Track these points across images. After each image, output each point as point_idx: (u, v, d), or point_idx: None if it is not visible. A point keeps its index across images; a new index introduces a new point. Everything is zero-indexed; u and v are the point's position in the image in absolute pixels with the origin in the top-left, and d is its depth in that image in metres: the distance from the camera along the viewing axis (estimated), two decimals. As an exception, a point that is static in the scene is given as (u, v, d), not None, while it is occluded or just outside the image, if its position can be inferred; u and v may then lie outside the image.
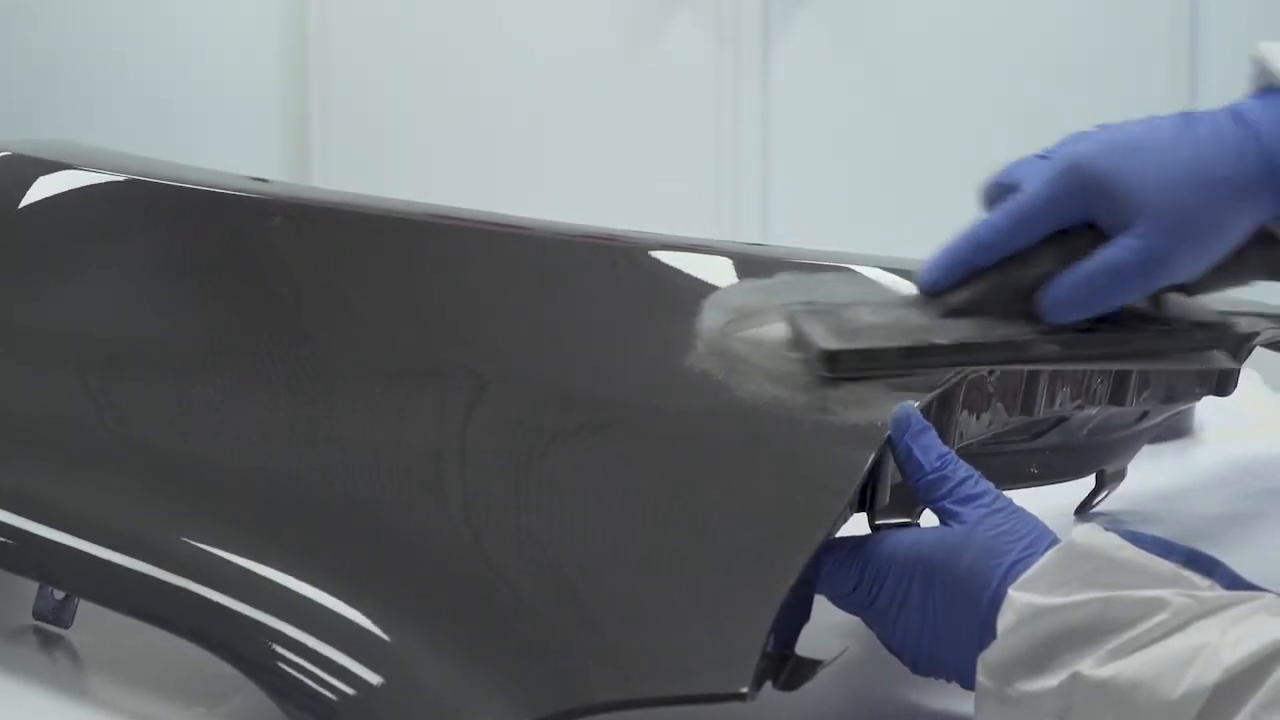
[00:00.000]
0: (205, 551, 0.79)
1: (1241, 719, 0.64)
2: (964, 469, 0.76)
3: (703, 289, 0.87)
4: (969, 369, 0.81)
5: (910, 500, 0.78)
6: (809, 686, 0.72)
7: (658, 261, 0.90)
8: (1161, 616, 0.68)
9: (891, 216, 2.71)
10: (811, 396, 0.78)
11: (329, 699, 0.73)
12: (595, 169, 2.91)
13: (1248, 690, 0.65)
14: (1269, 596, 0.69)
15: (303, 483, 0.82)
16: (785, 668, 0.72)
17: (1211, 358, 0.87)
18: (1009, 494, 0.76)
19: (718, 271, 0.88)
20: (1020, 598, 0.70)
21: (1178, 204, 0.82)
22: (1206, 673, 0.65)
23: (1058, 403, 0.87)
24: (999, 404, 0.84)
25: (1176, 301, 0.87)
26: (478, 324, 0.88)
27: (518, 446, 0.80)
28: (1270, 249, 0.87)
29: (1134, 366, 0.86)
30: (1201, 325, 0.87)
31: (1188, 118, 0.84)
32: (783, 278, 0.87)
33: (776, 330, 0.82)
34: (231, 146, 2.88)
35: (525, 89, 2.92)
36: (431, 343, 0.87)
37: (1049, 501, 0.89)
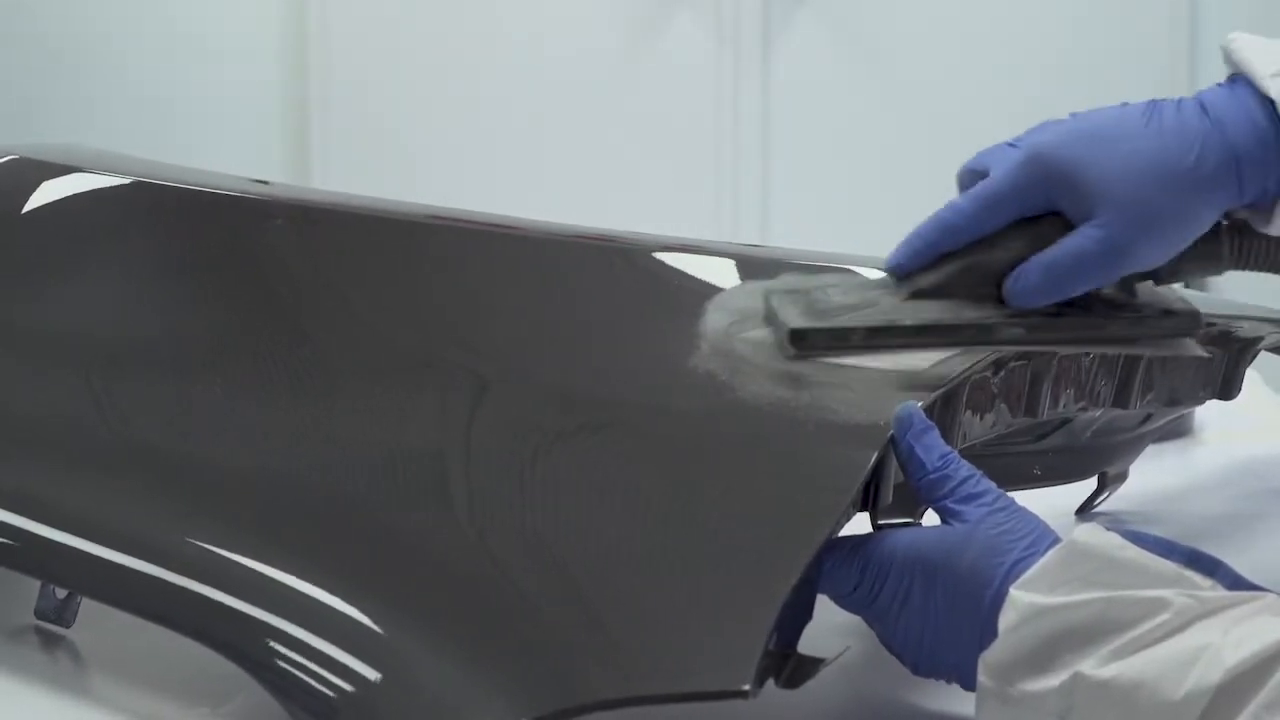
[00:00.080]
0: (207, 550, 0.80)
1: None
2: (966, 468, 0.76)
3: (703, 290, 0.87)
4: (974, 372, 0.81)
5: (913, 500, 0.78)
6: (811, 685, 0.72)
7: (658, 262, 0.91)
8: (1163, 617, 0.68)
9: (891, 216, 2.70)
10: (815, 397, 0.78)
11: (330, 697, 0.73)
12: (595, 169, 2.91)
13: (1250, 691, 0.65)
14: (1271, 597, 0.69)
15: (303, 482, 0.82)
16: (787, 666, 0.72)
17: (1182, 345, 0.88)
18: (1011, 495, 0.76)
19: (718, 272, 0.89)
20: (1022, 597, 0.70)
21: (1139, 194, 0.83)
22: (1209, 673, 0.65)
23: (1061, 404, 0.87)
24: (1003, 405, 0.85)
25: (1147, 290, 0.88)
26: (478, 325, 0.88)
27: (519, 446, 0.80)
28: (1242, 238, 0.87)
29: (1101, 351, 0.86)
30: (1170, 313, 0.87)
31: (1154, 106, 0.85)
32: (785, 279, 0.88)
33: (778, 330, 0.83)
34: (231, 146, 2.88)
35: (525, 89, 2.92)
36: (432, 343, 0.88)
37: (1050, 502, 0.89)
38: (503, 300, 0.89)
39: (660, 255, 0.91)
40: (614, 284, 0.90)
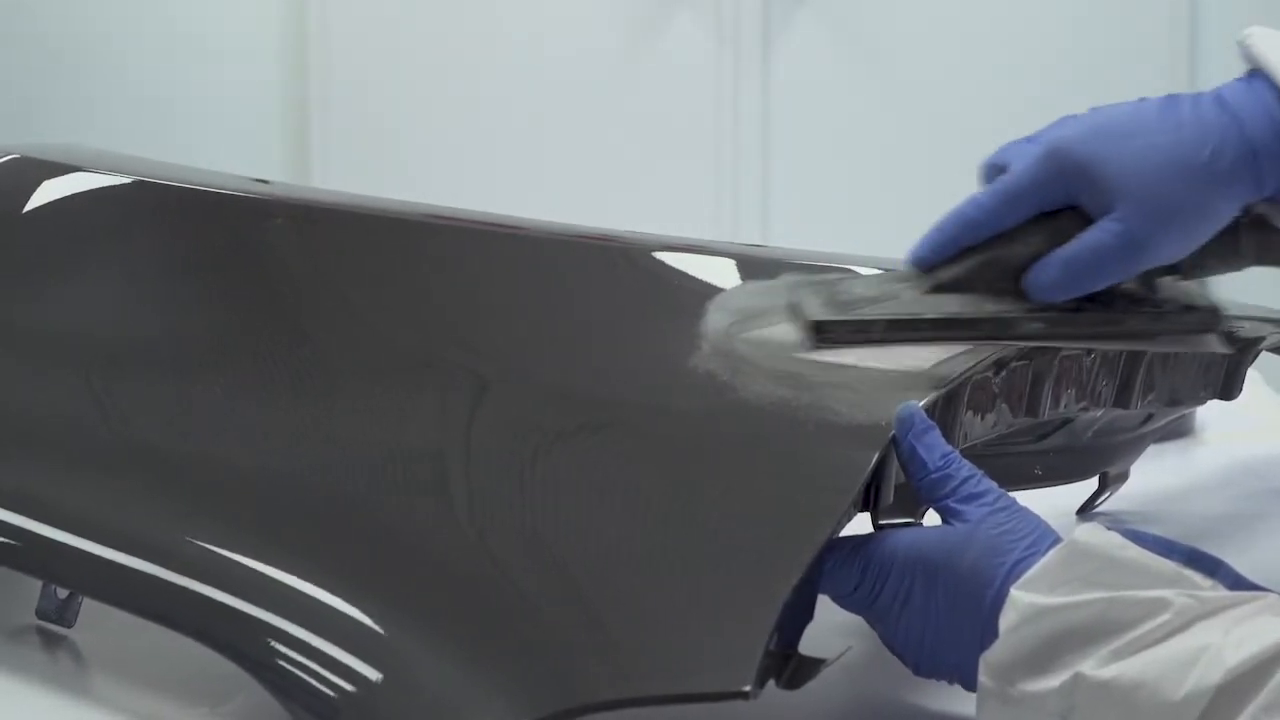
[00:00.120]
0: (208, 550, 0.80)
1: None
2: (967, 468, 0.76)
3: (704, 290, 0.87)
4: (976, 371, 0.81)
5: (914, 500, 0.78)
6: (811, 685, 0.72)
7: (659, 262, 0.91)
8: (1164, 617, 0.68)
9: (891, 216, 2.70)
10: (816, 397, 0.78)
11: (331, 697, 0.73)
12: (595, 169, 2.91)
13: (1250, 691, 0.65)
14: (1271, 597, 0.69)
15: (304, 482, 0.82)
16: (788, 667, 0.72)
17: (1204, 341, 0.88)
18: (1012, 495, 0.76)
19: (719, 272, 0.89)
20: (1023, 597, 0.70)
21: (1157, 188, 0.83)
22: (1209, 674, 0.65)
23: (1063, 404, 0.87)
24: (1004, 405, 0.85)
25: (1168, 285, 0.88)
26: (478, 324, 0.88)
27: (520, 446, 0.80)
28: (1262, 234, 0.87)
29: (1122, 347, 0.86)
30: (1192, 309, 0.87)
31: (1172, 101, 0.85)
32: (786, 279, 0.88)
33: (780, 331, 0.83)
34: (231, 146, 2.88)
35: (525, 89, 2.92)
36: (432, 343, 0.87)
37: (1050, 501, 0.89)
38: (503, 300, 0.89)
39: (661, 255, 0.91)
40: (614, 284, 0.90)
